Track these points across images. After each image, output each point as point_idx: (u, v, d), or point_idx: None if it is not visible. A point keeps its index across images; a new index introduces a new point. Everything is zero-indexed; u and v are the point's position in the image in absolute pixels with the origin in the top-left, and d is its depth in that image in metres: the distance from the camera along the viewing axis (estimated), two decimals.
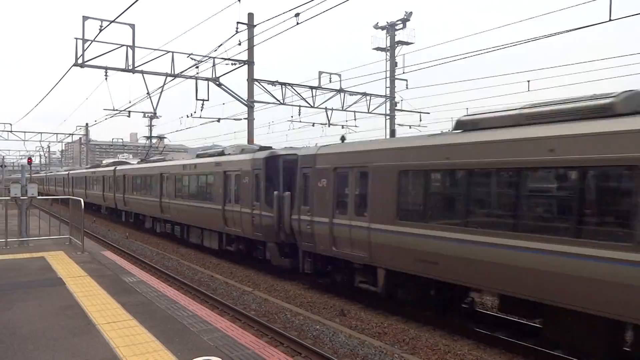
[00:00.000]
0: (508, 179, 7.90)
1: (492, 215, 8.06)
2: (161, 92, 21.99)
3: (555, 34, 13.25)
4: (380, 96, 26.65)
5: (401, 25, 26.21)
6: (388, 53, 26.73)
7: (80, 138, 62.41)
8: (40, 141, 54.61)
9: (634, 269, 5.99)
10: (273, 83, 23.04)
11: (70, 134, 55.68)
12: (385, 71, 26.55)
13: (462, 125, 9.01)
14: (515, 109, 8.28)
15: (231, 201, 15.89)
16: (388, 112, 26.99)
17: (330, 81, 24.79)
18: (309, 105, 24.46)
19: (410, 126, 28.27)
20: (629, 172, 6.17)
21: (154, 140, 40.15)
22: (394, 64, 26.45)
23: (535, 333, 9.16)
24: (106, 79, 20.09)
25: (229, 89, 21.84)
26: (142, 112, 31.74)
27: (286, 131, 56.30)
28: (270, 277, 14.31)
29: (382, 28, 26.84)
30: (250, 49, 21.05)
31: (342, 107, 25.44)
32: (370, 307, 11.08)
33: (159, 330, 5.84)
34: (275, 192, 13.56)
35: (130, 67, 19.63)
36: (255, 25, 20.43)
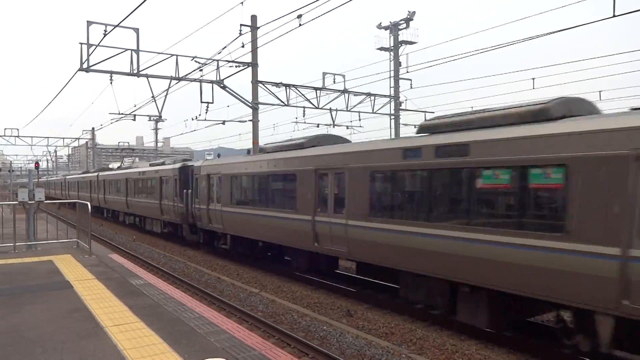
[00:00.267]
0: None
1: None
2: (166, 96, 22.07)
3: (559, 30, 13.18)
4: (385, 96, 26.61)
5: (404, 25, 26.16)
6: (392, 53, 26.69)
7: (86, 142, 62.76)
8: (47, 146, 54.96)
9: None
10: (277, 85, 23.05)
11: (76, 138, 55.97)
12: (389, 71, 26.52)
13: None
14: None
15: (164, 198, 22.35)
16: (393, 112, 26.94)
17: (334, 82, 24.78)
18: (313, 106, 24.45)
19: (415, 125, 28.22)
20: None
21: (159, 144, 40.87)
22: (397, 64, 26.40)
23: (544, 332, 9.12)
24: (111, 83, 20.16)
25: (233, 91, 21.87)
26: (148, 115, 31.82)
27: (291, 132, 56.35)
28: (277, 278, 14.33)
29: (386, 28, 26.80)
30: (254, 51, 21.08)
31: (347, 107, 25.42)
32: (377, 307, 11.06)
33: (166, 332, 5.86)
34: (185, 190, 20.17)
35: (135, 71, 19.70)
36: (259, 28, 20.46)
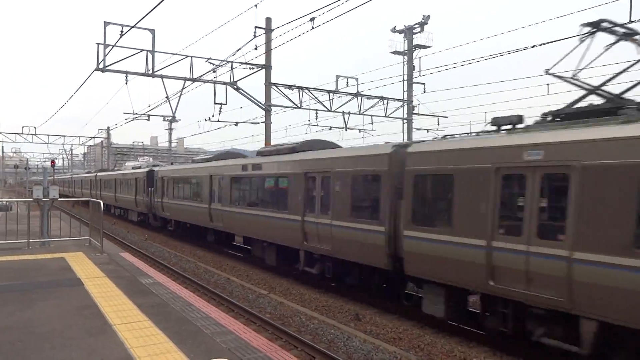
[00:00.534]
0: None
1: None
2: (180, 96, 22.26)
3: (575, 36, 13.00)
4: (398, 100, 26.54)
5: (419, 29, 26.09)
6: (405, 57, 26.62)
7: (102, 141, 63.52)
8: (63, 144, 55.75)
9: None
10: (290, 87, 23.12)
11: (92, 137, 56.69)
12: (403, 75, 26.44)
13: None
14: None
15: (138, 194, 28.68)
16: (405, 116, 26.85)
17: (347, 85, 24.80)
18: (326, 109, 24.48)
19: (428, 130, 28.09)
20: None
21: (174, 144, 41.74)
22: (411, 68, 26.31)
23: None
24: (126, 83, 20.40)
25: (246, 93, 21.99)
26: (162, 115, 32.14)
27: (303, 135, 56.44)
28: (286, 280, 14.34)
29: (400, 32, 26.74)
30: (268, 53, 21.18)
31: (359, 111, 25.41)
32: (386, 311, 11.01)
33: (173, 331, 5.89)
34: (149, 188, 26.53)
35: (150, 72, 19.91)
36: (273, 30, 20.56)
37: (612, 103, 7.51)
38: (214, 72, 21.09)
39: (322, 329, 9.52)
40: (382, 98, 25.86)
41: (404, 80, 26.45)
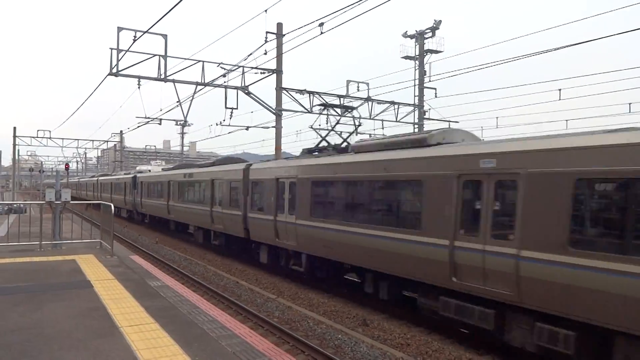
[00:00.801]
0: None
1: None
2: (191, 101, 22.43)
3: (588, 41, 12.92)
4: (409, 105, 26.48)
5: (430, 34, 26.04)
6: (417, 62, 26.57)
7: (115, 145, 64.18)
8: (77, 147, 56.41)
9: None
10: (301, 92, 23.19)
11: (105, 141, 57.29)
12: (414, 79, 26.38)
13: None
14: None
15: (126, 195, 34.78)
16: (416, 120, 26.77)
17: (358, 90, 24.79)
18: (336, 114, 24.49)
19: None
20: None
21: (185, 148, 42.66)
22: (422, 73, 26.25)
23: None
24: (139, 87, 20.63)
25: (257, 98, 22.09)
26: (174, 120, 32.43)
27: (314, 139, 56.50)
28: (295, 284, 14.34)
29: (411, 37, 26.70)
30: (279, 57, 21.28)
31: (370, 115, 25.38)
32: (394, 317, 10.95)
33: (179, 334, 5.92)
34: (134, 190, 32.62)
35: (162, 76, 20.11)
36: (284, 35, 20.66)
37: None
38: (224, 76, 21.22)
39: (330, 333, 9.50)
40: (393, 103, 25.82)
41: (415, 85, 26.40)
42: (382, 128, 26.45)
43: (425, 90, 26.44)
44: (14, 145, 49.11)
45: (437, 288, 9.18)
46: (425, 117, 26.63)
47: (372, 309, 11.60)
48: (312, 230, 12.86)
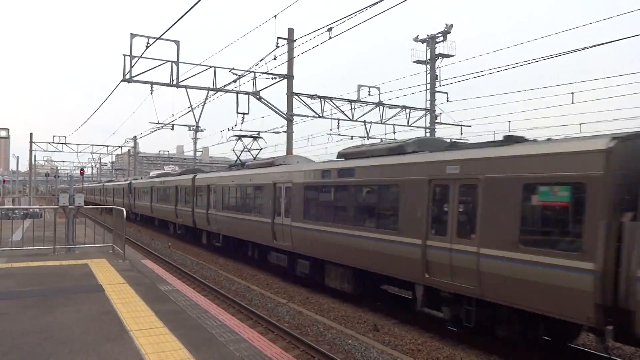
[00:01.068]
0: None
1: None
2: (203, 106, 22.61)
3: (602, 44, 12.76)
4: (420, 109, 26.39)
5: (441, 38, 25.94)
6: (428, 66, 26.47)
7: (129, 150, 64.86)
8: (92, 153, 57.12)
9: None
10: (312, 97, 23.24)
11: (119, 146, 57.95)
12: (425, 84, 26.28)
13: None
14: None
15: (124, 197, 40.83)
16: (428, 125, 26.65)
17: (369, 94, 24.78)
18: (347, 119, 24.51)
19: (450, 139, 27.79)
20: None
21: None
22: (434, 77, 26.14)
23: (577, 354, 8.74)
24: (151, 93, 20.84)
25: (268, 103, 22.18)
26: (186, 125, 32.69)
27: (325, 144, 56.52)
28: (305, 289, 14.31)
29: (423, 41, 26.63)
30: (290, 62, 21.35)
31: (381, 120, 25.35)
32: (405, 322, 10.87)
33: (188, 338, 5.93)
34: (130, 194, 39.18)
35: (175, 82, 20.31)
36: (295, 40, 20.72)
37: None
38: (235, 82, 21.35)
39: (340, 339, 9.45)
40: (404, 107, 25.75)
41: (426, 89, 26.29)
42: (394, 132, 26.39)
43: (437, 94, 26.32)
44: (30, 150, 49.84)
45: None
46: (437, 121, 26.50)
47: (383, 315, 11.53)
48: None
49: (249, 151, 22.97)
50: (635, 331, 6.50)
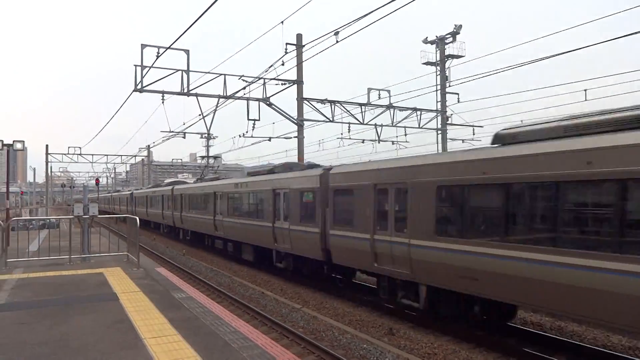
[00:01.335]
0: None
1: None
2: (214, 114, 22.75)
3: (614, 38, 12.56)
4: (431, 111, 26.25)
5: (451, 39, 25.80)
6: (438, 67, 26.34)
7: (142, 159, 65.49)
8: (106, 163, 57.81)
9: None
10: (322, 101, 23.25)
11: (133, 156, 58.53)
12: (436, 85, 26.15)
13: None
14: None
15: (128, 206, 47.03)
16: (439, 126, 26.48)
17: (379, 97, 24.72)
18: (358, 122, 24.46)
19: (463, 140, 27.59)
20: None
21: (210, 160, 43.49)
22: (444, 78, 25.99)
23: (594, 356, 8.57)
24: (163, 102, 21.01)
25: (279, 109, 22.24)
26: (198, 133, 32.91)
27: (336, 148, 56.51)
28: (320, 294, 14.26)
29: (432, 42, 26.51)
30: (299, 66, 21.40)
31: (392, 122, 25.25)
32: (421, 326, 10.76)
33: (202, 345, 5.92)
34: (132, 202, 45.78)
35: (185, 91, 20.46)
36: (304, 46, 20.77)
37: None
38: (245, 89, 21.45)
39: (355, 343, 9.38)
40: (415, 109, 25.65)
41: (436, 90, 26.16)
42: (405, 135, 26.28)
43: (447, 95, 26.16)
44: (47, 162, 50.60)
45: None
46: (448, 122, 26.32)
47: (398, 318, 11.43)
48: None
49: (212, 168, 32.68)
50: (331, 259, 13.38)
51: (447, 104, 26.17)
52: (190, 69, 20.02)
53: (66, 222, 22.74)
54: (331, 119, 23.48)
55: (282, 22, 14.28)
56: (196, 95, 20.87)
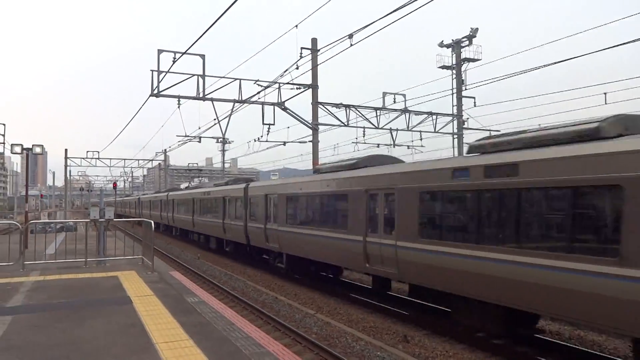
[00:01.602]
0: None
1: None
2: (229, 118, 22.84)
3: (632, 41, 12.27)
4: (447, 115, 26.01)
5: (467, 42, 25.57)
6: (454, 71, 26.11)
7: (159, 163, 66.14)
8: (124, 167, 58.53)
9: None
10: (337, 105, 23.20)
11: (150, 160, 59.14)
12: (452, 89, 25.92)
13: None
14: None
15: (136, 209, 54.82)
16: (455, 130, 26.23)
17: (394, 101, 24.58)
18: (373, 127, 24.35)
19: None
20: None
21: (226, 165, 44.55)
22: (460, 82, 25.76)
23: None
24: (179, 107, 21.17)
25: (294, 113, 22.25)
26: (213, 137, 33.09)
27: (351, 152, 56.41)
28: (334, 300, 14.15)
29: (448, 46, 26.31)
30: (314, 69, 21.38)
31: (408, 127, 25.08)
32: (436, 333, 10.58)
33: (213, 351, 5.88)
34: (140, 205, 53.49)
35: (201, 95, 20.60)
36: (319, 50, 20.75)
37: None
38: (260, 93, 21.50)
39: (369, 350, 9.26)
40: (430, 113, 25.44)
41: (452, 94, 25.92)
42: (420, 139, 26.07)
43: (463, 99, 25.91)
44: (66, 166, 51.34)
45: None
46: (464, 126, 26.06)
47: (413, 325, 11.27)
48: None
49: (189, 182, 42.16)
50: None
51: (463, 108, 25.92)
52: (206, 73, 20.15)
53: (83, 225, 23.05)
54: (346, 123, 23.41)
55: (296, 26, 14.28)
56: (212, 99, 21.00)
